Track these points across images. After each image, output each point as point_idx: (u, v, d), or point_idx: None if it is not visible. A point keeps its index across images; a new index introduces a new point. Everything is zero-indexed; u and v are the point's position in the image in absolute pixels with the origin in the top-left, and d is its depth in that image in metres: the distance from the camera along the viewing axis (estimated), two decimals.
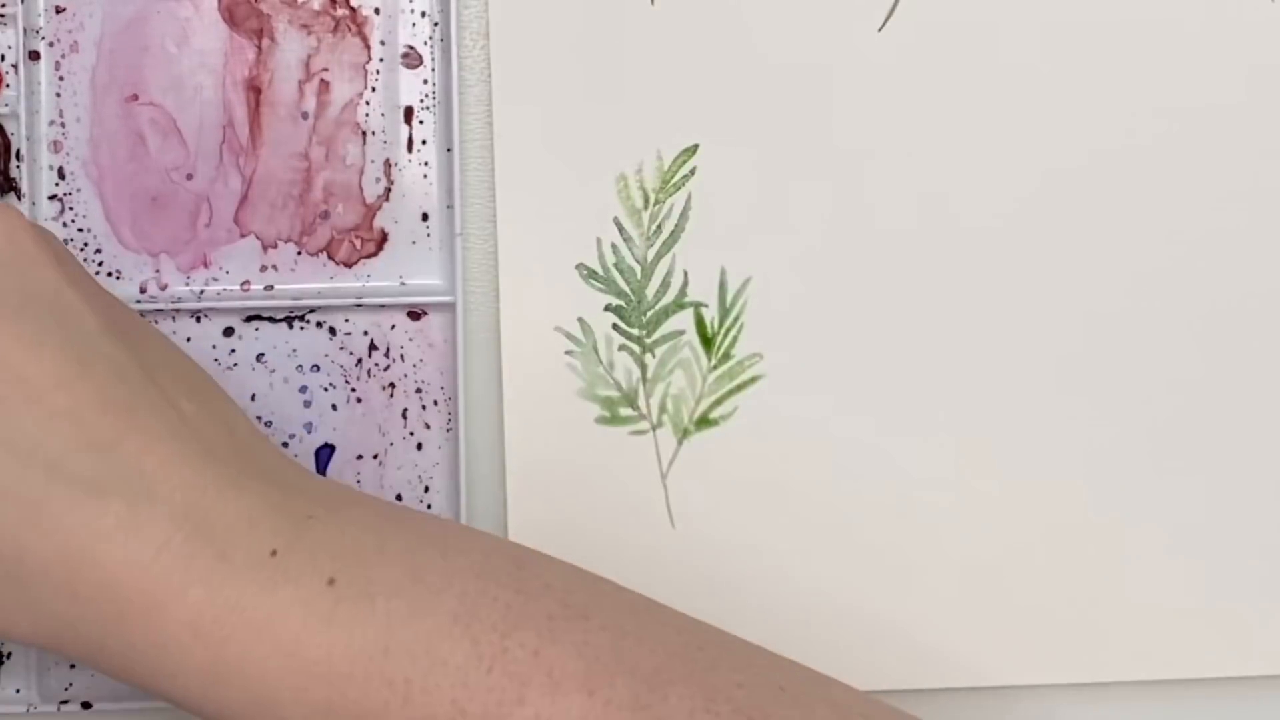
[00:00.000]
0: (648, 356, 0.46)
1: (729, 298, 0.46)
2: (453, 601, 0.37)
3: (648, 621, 0.38)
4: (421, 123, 0.46)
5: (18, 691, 0.45)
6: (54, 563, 0.36)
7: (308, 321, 0.46)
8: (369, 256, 0.46)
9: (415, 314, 0.46)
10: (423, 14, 0.46)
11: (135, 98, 0.45)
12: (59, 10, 0.45)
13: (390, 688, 0.36)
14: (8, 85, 0.45)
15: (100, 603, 0.36)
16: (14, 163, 0.45)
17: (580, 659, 0.36)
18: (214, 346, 0.46)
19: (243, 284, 0.46)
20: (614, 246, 0.46)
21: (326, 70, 0.46)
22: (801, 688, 0.38)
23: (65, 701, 0.45)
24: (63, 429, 0.36)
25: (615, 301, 0.46)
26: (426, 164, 0.46)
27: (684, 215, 0.46)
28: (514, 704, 0.35)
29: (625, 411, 0.46)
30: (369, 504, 0.40)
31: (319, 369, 0.46)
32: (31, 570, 0.36)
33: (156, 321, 0.46)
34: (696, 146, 0.46)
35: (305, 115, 0.46)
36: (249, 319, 0.46)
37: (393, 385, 0.46)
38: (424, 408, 0.46)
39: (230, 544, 0.36)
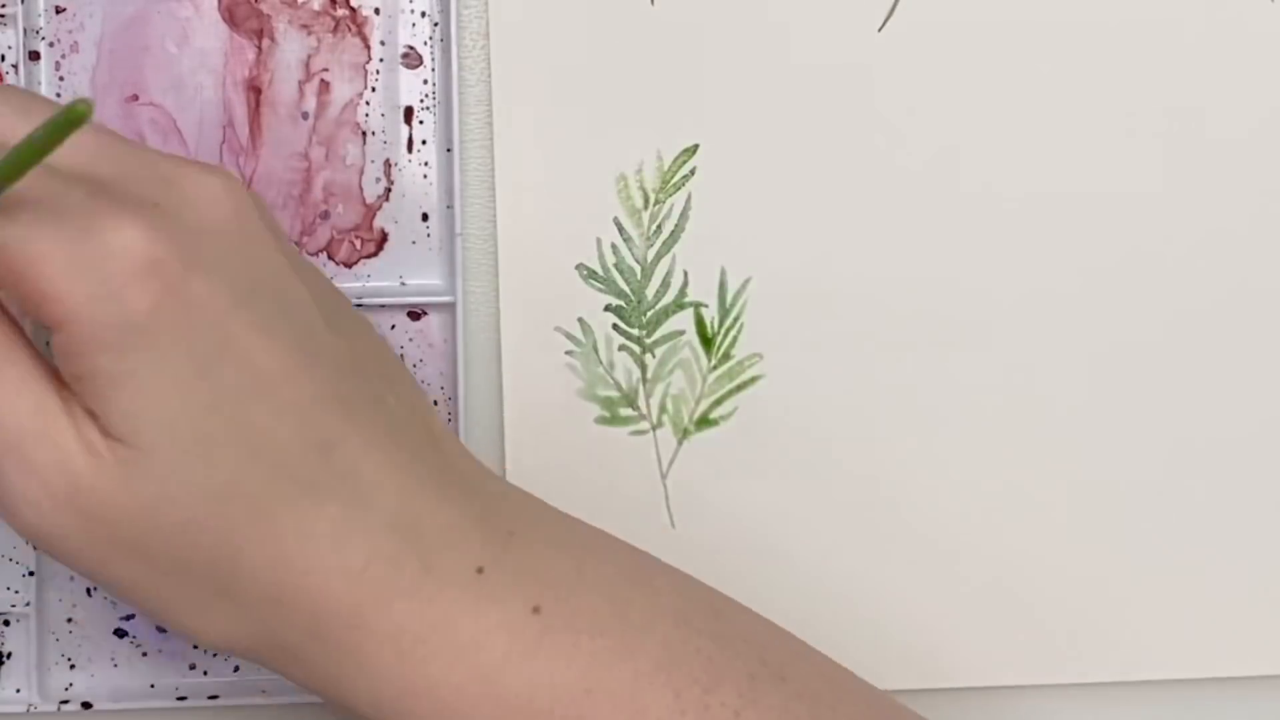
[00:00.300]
0: (648, 356, 0.46)
1: (729, 298, 0.46)
2: (656, 647, 0.35)
3: (841, 692, 0.37)
4: (421, 123, 0.46)
5: (18, 691, 0.45)
6: (265, 566, 0.34)
7: None
8: (369, 256, 0.46)
9: (415, 314, 0.46)
10: (423, 14, 0.46)
11: (135, 98, 0.45)
12: (59, 10, 0.45)
13: None
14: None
15: (306, 610, 0.35)
16: None
17: None
18: None
19: None
20: (614, 246, 0.46)
21: (326, 70, 0.46)
22: None
23: (65, 701, 0.45)
24: (290, 425, 0.34)
25: (615, 301, 0.46)
26: (426, 164, 0.46)
27: (684, 215, 0.46)
28: None
29: (625, 411, 0.46)
30: (562, 520, 0.38)
31: None
32: (243, 572, 0.35)
33: None
34: (696, 146, 0.46)
35: (305, 115, 0.46)
36: None
37: None
38: None
39: (437, 556, 0.35)
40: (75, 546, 0.35)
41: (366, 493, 0.35)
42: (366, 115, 0.46)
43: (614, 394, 0.46)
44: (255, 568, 0.35)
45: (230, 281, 0.35)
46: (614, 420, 0.46)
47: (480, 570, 0.35)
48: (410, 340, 0.46)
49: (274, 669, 0.37)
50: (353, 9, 0.46)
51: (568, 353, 0.46)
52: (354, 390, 0.36)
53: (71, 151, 0.34)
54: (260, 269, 0.36)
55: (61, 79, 0.45)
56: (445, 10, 0.45)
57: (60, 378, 0.35)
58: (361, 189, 0.46)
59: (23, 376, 0.34)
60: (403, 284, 0.46)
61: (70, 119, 0.31)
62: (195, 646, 0.46)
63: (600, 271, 0.46)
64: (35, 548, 0.37)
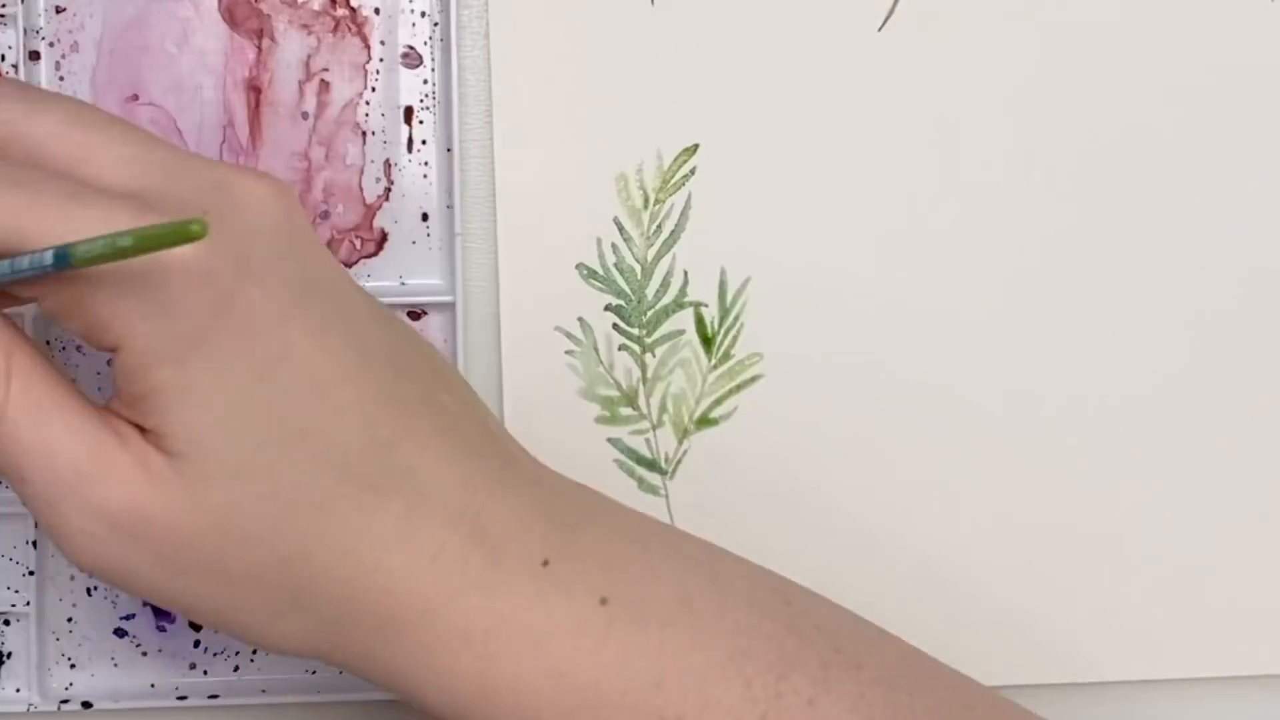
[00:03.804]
0: (648, 356, 0.46)
1: (729, 298, 0.46)
2: (727, 636, 0.35)
3: (918, 677, 0.37)
4: (421, 123, 0.46)
5: (18, 691, 0.45)
6: (335, 567, 0.34)
7: None
8: (369, 256, 0.46)
9: (415, 314, 0.46)
10: (423, 14, 0.46)
11: (135, 98, 0.45)
12: (59, 10, 0.45)
13: None
14: None
15: (376, 609, 0.35)
16: None
17: (855, 714, 0.35)
18: None
19: None
20: (614, 246, 0.46)
21: (326, 70, 0.46)
22: None
23: (65, 701, 0.45)
24: (350, 425, 0.34)
25: (615, 301, 0.46)
26: (426, 164, 0.46)
27: (684, 215, 0.46)
28: None
29: (625, 411, 0.46)
30: (625, 512, 0.38)
31: None
32: (315, 576, 0.34)
33: None
34: (696, 146, 0.46)
35: (305, 115, 0.46)
36: None
37: None
38: None
39: (503, 549, 0.35)
40: (145, 574, 0.35)
41: (428, 488, 0.35)
42: (366, 115, 0.46)
43: (614, 394, 0.46)
44: (326, 569, 0.35)
45: (284, 285, 0.35)
46: (614, 420, 0.46)
47: (546, 563, 0.35)
48: None
49: (347, 668, 0.37)
50: (353, 9, 0.46)
51: (568, 352, 0.46)
52: (410, 389, 0.36)
53: (119, 164, 0.34)
54: (313, 271, 0.36)
55: (61, 79, 0.45)
56: (445, 10, 0.45)
57: (111, 416, 0.35)
58: (361, 189, 0.46)
59: (72, 423, 0.34)
60: (403, 284, 0.46)
61: (180, 235, 0.30)
62: (195, 645, 0.46)
63: (600, 271, 0.46)
64: (102, 580, 0.37)
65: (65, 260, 0.32)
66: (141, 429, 0.35)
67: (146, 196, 0.34)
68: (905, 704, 0.36)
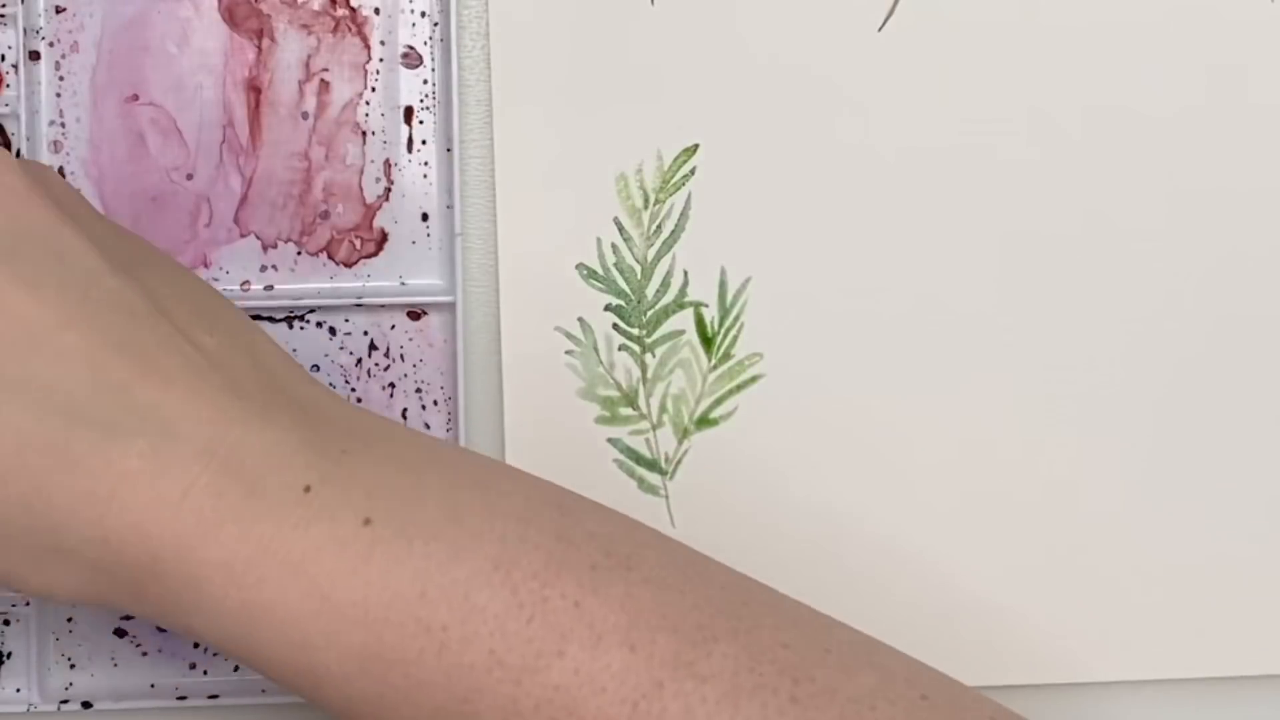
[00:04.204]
0: (648, 356, 0.46)
1: (729, 298, 0.46)
2: (493, 547, 0.36)
3: (691, 575, 0.37)
4: (421, 123, 0.46)
5: (18, 691, 0.45)
6: (82, 509, 0.35)
7: (308, 321, 0.46)
8: (369, 256, 0.46)
9: (415, 314, 0.46)
10: (423, 14, 0.46)
11: (135, 98, 0.45)
12: (59, 10, 0.45)
13: (427, 634, 0.35)
14: (8, 85, 0.45)
15: (133, 546, 0.35)
16: None
17: (623, 613, 0.35)
18: None
19: (243, 284, 0.46)
20: (614, 246, 0.46)
21: (326, 70, 0.46)
22: (848, 650, 0.37)
23: (65, 701, 0.45)
24: (76, 371, 0.35)
25: (615, 301, 0.46)
26: (426, 164, 0.46)
27: (684, 215, 0.46)
28: (553, 656, 0.35)
29: (625, 411, 0.46)
30: (407, 437, 0.38)
31: (319, 369, 0.46)
32: (61, 519, 0.35)
33: None
34: (696, 146, 0.46)
35: (305, 115, 0.46)
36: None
37: (393, 385, 0.46)
38: (424, 408, 0.46)
39: (260, 480, 0.35)
40: None
41: (173, 425, 0.35)
42: (366, 115, 0.46)
43: (614, 394, 0.46)
44: (72, 513, 0.35)
45: None
46: (614, 420, 0.46)
47: (308, 489, 0.36)
48: (410, 340, 0.46)
49: (128, 610, 0.37)
50: (353, 9, 0.46)
51: (568, 353, 0.46)
52: (147, 331, 0.36)
53: None
54: (25, 225, 0.36)
55: (61, 79, 0.45)
56: (445, 10, 0.45)
57: None
58: (361, 189, 0.46)
59: None
60: (403, 284, 0.46)
61: None
62: (196, 645, 0.46)
63: (600, 271, 0.46)
64: None
65: None
66: None
67: None
68: (675, 600, 0.36)
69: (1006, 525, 0.46)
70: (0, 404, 0.35)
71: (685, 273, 0.46)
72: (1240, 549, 0.46)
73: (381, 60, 0.46)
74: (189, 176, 0.46)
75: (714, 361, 0.46)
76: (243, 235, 0.46)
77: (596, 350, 0.46)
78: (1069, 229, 0.46)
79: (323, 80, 0.46)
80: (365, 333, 0.46)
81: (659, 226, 0.46)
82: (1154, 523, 0.46)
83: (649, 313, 0.46)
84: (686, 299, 0.46)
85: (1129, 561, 0.46)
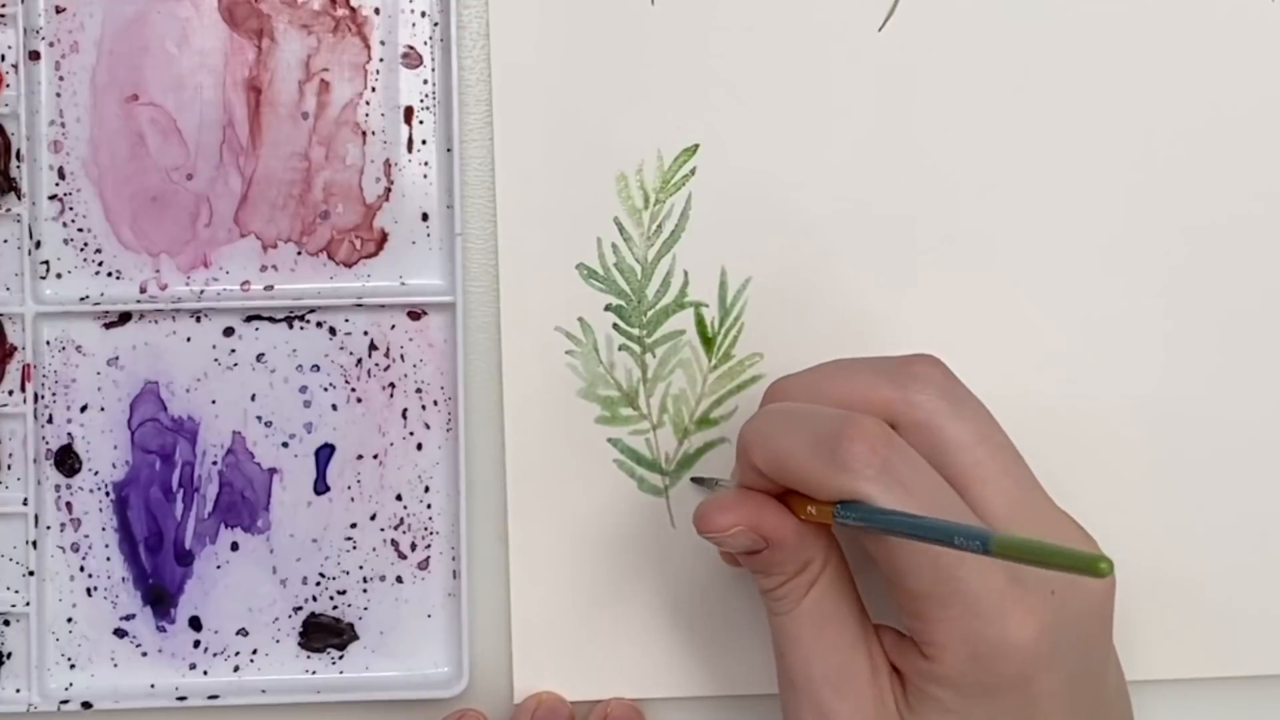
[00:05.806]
0: (648, 356, 0.46)
1: (729, 298, 0.46)
2: None
3: None
4: (421, 123, 0.46)
5: (18, 691, 0.45)
6: None
7: (308, 321, 0.46)
8: (369, 256, 0.46)
9: (415, 314, 0.46)
10: (423, 14, 0.46)
11: (135, 98, 0.45)
12: (59, 10, 0.45)
13: None
14: (8, 85, 0.45)
15: None
16: (14, 163, 0.45)
17: None
18: (214, 346, 0.46)
19: (243, 284, 0.46)
20: (614, 246, 0.46)
21: (326, 70, 0.46)
22: None
23: (65, 701, 0.45)
24: None
25: (615, 301, 0.46)
26: (426, 164, 0.46)
27: (684, 215, 0.46)
28: None
29: (625, 411, 0.46)
30: None
31: (319, 369, 0.46)
32: None
33: (156, 322, 0.46)
34: (696, 146, 0.46)
35: (305, 115, 0.46)
36: (249, 319, 0.46)
37: (393, 385, 0.46)
38: (424, 408, 0.46)
39: None
40: None
41: None
42: (366, 115, 0.46)
43: (614, 394, 0.46)
44: None
45: (1069, 676, 0.39)
46: (614, 420, 0.46)
47: None
48: (410, 340, 0.46)
49: None
50: (353, 9, 0.46)
51: (568, 353, 0.46)
52: None
53: (1002, 497, 0.39)
54: (1093, 662, 0.40)
55: (61, 79, 0.45)
56: (445, 10, 0.45)
57: (876, 643, 0.40)
58: (361, 189, 0.46)
59: (840, 640, 0.40)
60: (403, 284, 0.46)
61: (1089, 565, 0.30)
62: (196, 645, 0.46)
63: (600, 271, 0.46)
64: None
65: (985, 545, 0.32)
66: (895, 668, 0.39)
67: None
68: None
69: None
70: None
71: (685, 273, 0.46)
72: (1242, 550, 0.46)
73: (381, 60, 0.46)
74: (189, 176, 0.46)
75: (714, 362, 0.46)
76: (243, 235, 0.46)
77: (597, 350, 0.46)
78: (1069, 228, 0.46)
79: (323, 80, 0.46)
80: (365, 333, 0.46)
81: (659, 226, 0.46)
82: (1154, 523, 0.46)
83: (649, 313, 0.46)
84: (686, 299, 0.46)
85: (1130, 563, 0.46)
